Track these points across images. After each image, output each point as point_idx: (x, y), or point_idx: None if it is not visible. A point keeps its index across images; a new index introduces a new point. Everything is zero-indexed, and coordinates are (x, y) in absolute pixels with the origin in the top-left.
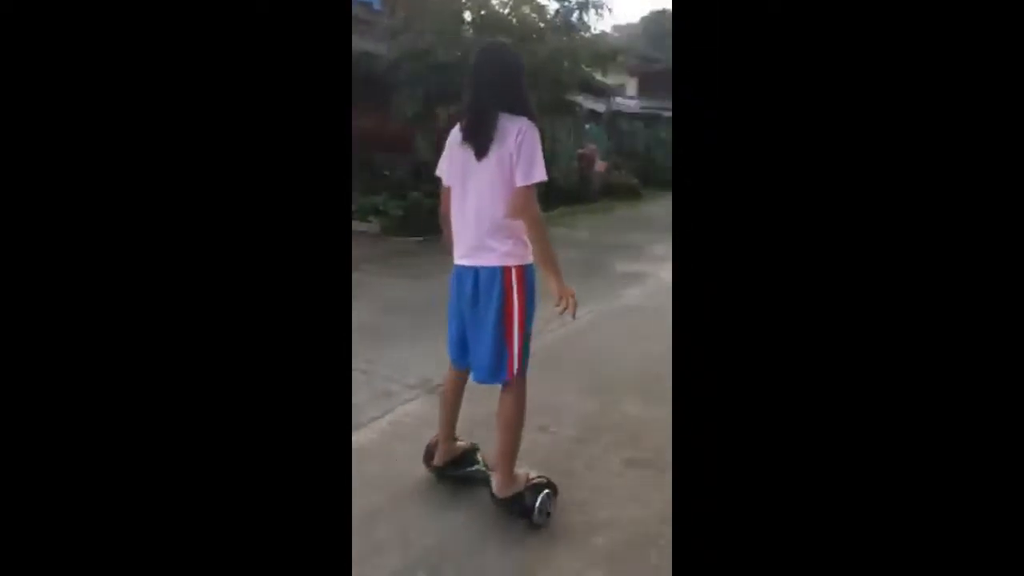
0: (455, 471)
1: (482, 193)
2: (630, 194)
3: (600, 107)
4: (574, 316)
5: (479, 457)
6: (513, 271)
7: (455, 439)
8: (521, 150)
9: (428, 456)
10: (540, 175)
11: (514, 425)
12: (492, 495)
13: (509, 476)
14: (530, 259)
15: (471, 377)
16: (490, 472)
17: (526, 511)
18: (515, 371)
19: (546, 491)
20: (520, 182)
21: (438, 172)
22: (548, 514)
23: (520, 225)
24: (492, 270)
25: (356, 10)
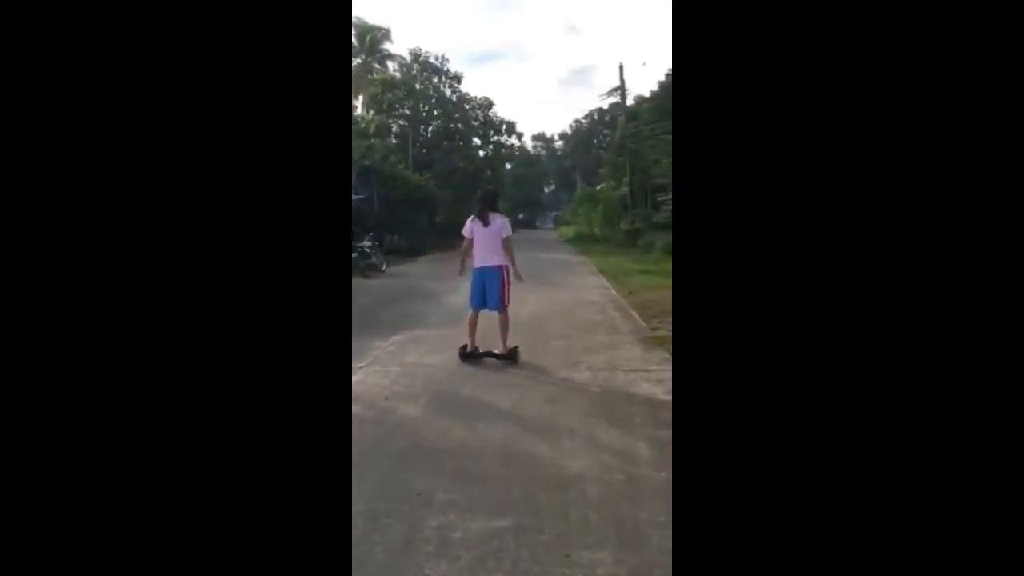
0: (478, 355)
1: (486, 240)
2: None
3: None
4: (522, 280)
5: (490, 352)
6: (504, 268)
7: (474, 342)
8: (502, 225)
9: (462, 355)
10: (509, 233)
11: (506, 325)
12: (496, 355)
13: (505, 345)
14: (507, 264)
15: (488, 308)
16: (497, 352)
17: (513, 359)
18: (506, 305)
19: (517, 350)
20: (504, 235)
21: (464, 232)
22: (517, 360)
23: (504, 251)
24: (497, 267)
25: None
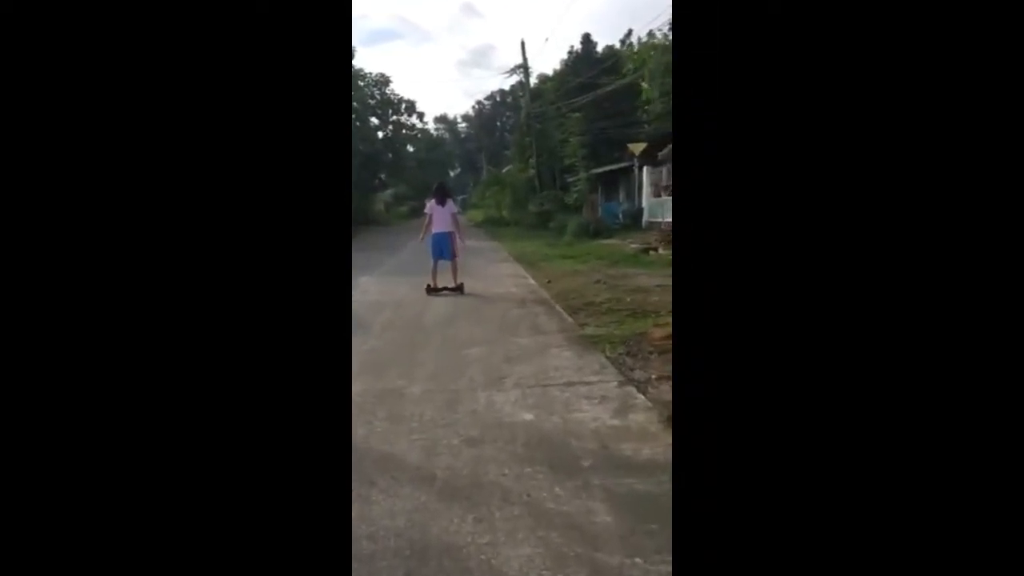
0: (438, 290)
1: (442, 215)
2: None
3: None
4: (464, 244)
5: (445, 287)
6: (452, 234)
7: (435, 283)
8: (452, 207)
9: (427, 290)
10: (457, 210)
11: (455, 268)
12: (451, 288)
13: (455, 280)
14: (455, 231)
15: (443, 258)
16: (450, 287)
17: (460, 290)
18: (455, 256)
19: (462, 284)
20: (453, 212)
21: (426, 210)
22: (463, 292)
23: (453, 223)
24: (448, 233)
25: None
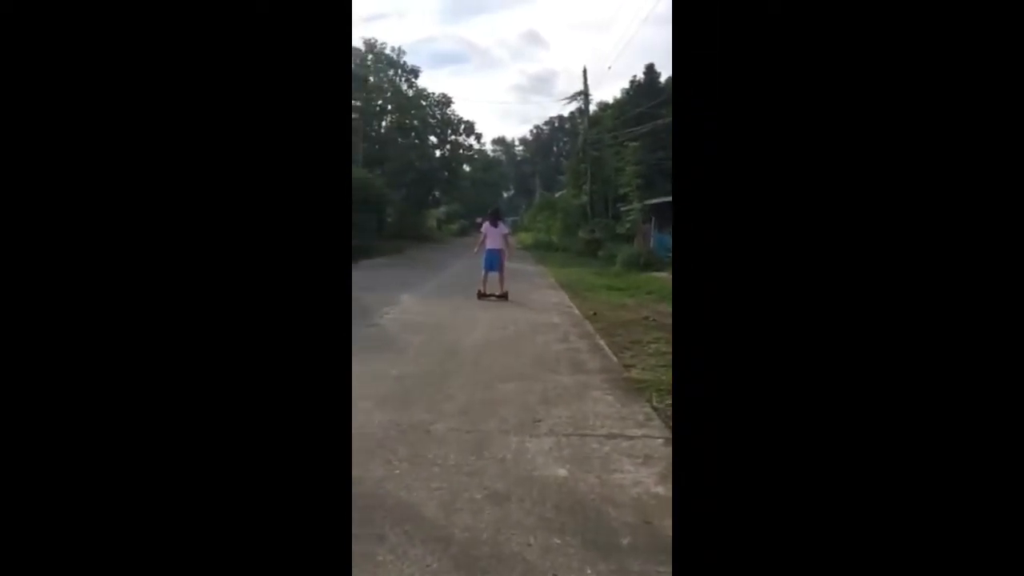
0: (486, 296)
1: (494, 235)
2: None
3: None
4: (512, 255)
5: (492, 293)
6: (502, 251)
7: (486, 290)
8: (503, 228)
9: (478, 295)
10: (508, 231)
11: (502, 279)
12: (498, 296)
13: (501, 289)
14: (505, 249)
15: (493, 271)
16: (497, 294)
17: (505, 297)
18: (504, 268)
19: (507, 293)
20: (504, 233)
21: (481, 229)
22: (507, 298)
23: (503, 242)
24: (498, 250)
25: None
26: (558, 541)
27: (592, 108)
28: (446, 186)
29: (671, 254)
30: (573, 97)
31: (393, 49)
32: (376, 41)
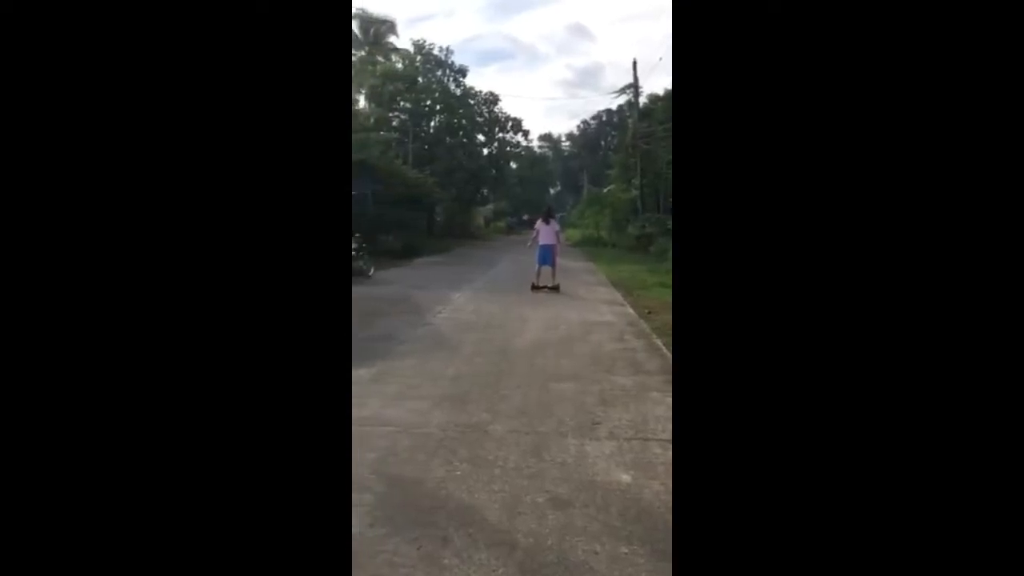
0: (539, 289)
1: (547, 231)
2: None
3: None
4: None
5: (545, 285)
6: (554, 246)
7: (539, 282)
8: (555, 225)
9: (532, 288)
10: (559, 229)
11: (554, 273)
12: (551, 288)
13: (553, 282)
14: (557, 244)
15: (546, 264)
16: (550, 286)
17: (557, 289)
18: (556, 262)
19: (559, 285)
20: (556, 230)
21: (536, 226)
22: (559, 289)
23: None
24: (551, 245)
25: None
26: (625, 550)
27: (642, 101)
28: (494, 184)
29: None
30: (622, 90)
31: (441, 49)
32: (424, 42)
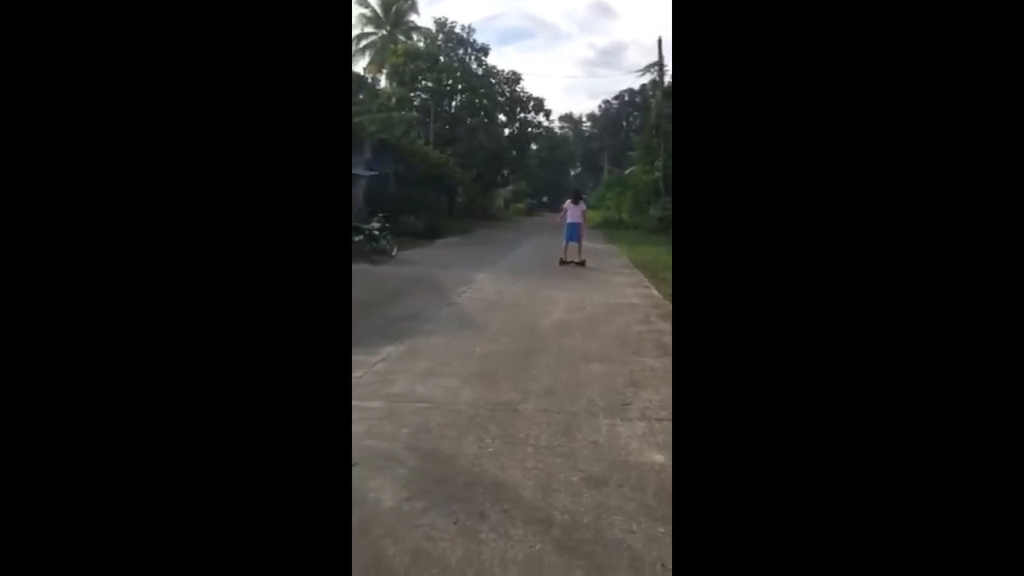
0: (567, 263)
1: (574, 211)
2: None
3: None
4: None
5: (572, 260)
6: (580, 224)
7: (567, 257)
8: (582, 205)
9: (560, 263)
10: (585, 209)
11: (580, 248)
12: (577, 263)
13: (579, 257)
14: (583, 223)
15: (572, 240)
16: (576, 261)
17: (583, 264)
18: (582, 238)
19: (585, 260)
20: (583, 210)
21: (564, 206)
22: (584, 265)
23: (582, 217)
24: (577, 223)
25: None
26: (662, 530)
27: (667, 80)
28: (514, 165)
29: None
30: (647, 69)
31: (463, 28)
32: (446, 20)
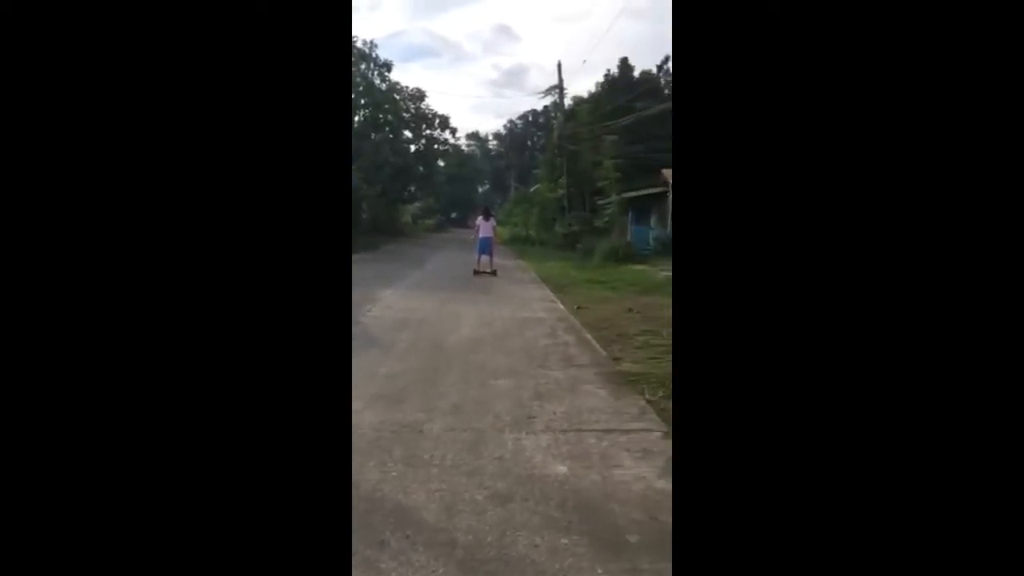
0: (480, 274)
1: (485, 227)
2: None
3: None
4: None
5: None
6: (491, 239)
7: (480, 268)
8: (492, 221)
9: (474, 272)
10: (495, 224)
11: (491, 261)
12: (489, 272)
13: (491, 267)
14: (494, 237)
15: (485, 255)
16: (487, 271)
17: (494, 274)
18: (493, 252)
19: (496, 271)
20: (493, 225)
21: (477, 222)
22: (496, 274)
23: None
24: (488, 238)
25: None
26: (565, 541)
27: (568, 102)
28: (422, 181)
29: (649, 247)
30: (548, 91)
31: (365, 43)
32: None
